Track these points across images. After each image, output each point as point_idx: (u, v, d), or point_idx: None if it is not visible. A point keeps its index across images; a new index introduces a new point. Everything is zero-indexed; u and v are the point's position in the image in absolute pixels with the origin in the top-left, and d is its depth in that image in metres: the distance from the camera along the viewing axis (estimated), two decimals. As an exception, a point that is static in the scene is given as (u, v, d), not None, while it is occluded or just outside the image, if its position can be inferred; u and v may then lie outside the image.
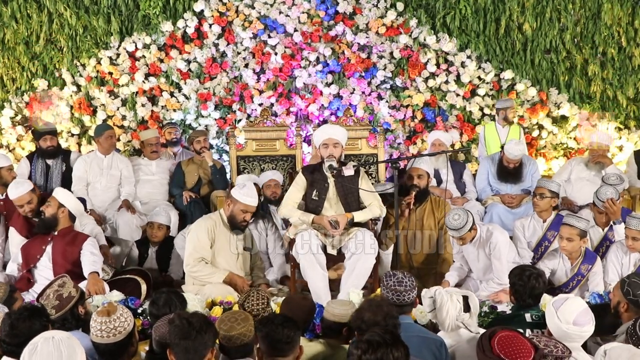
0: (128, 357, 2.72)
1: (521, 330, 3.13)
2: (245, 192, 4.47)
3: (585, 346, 2.95)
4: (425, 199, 4.95)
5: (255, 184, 4.96)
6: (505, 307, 3.96)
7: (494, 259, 4.32)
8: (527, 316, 3.24)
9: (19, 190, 4.64)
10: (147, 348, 2.95)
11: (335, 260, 4.50)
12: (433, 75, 6.93)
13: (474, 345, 2.94)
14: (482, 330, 3.02)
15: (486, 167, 5.94)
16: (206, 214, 4.87)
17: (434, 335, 3.02)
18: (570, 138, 6.98)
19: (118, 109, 6.88)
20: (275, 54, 6.92)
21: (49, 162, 5.91)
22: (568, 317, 2.76)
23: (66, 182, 5.82)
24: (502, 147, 5.85)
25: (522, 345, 2.31)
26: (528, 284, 3.31)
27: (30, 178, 5.81)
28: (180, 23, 6.83)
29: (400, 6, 6.87)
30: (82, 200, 5.63)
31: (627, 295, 3.13)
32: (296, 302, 3.31)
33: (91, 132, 6.81)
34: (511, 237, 4.75)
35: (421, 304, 3.60)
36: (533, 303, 3.33)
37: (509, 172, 5.76)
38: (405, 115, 6.97)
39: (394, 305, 3.04)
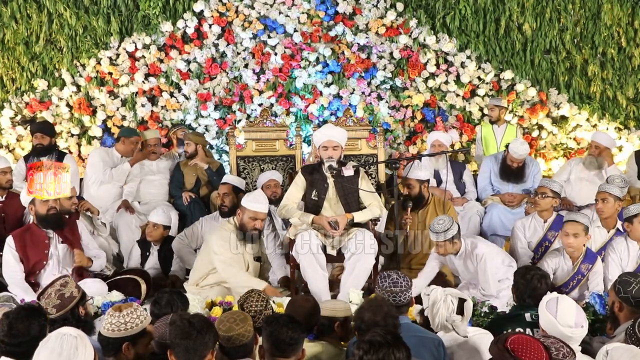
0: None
1: (521, 330, 3.15)
2: (252, 199, 4.40)
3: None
4: (423, 204, 4.95)
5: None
6: (505, 307, 3.96)
7: (479, 270, 4.29)
8: (527, 316, 3.25)
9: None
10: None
11: (335, 261, 4.49)
12: (433, 75, 6.94)
13: (466, 349, 2.96)
14: (471, 333, 3.03)
15: (489, 165, 5.92)
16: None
17: (432, 335, 3.02)
18: (570, 138, 6.99)
19: (118, 109, 6.87)
20: (275, 54, 6.92)
21: (43, 159, 5.94)
22: (569, 321, 2.78)
23: None
24: (506, 146, 5.84)
25: (536, 349, 2.32)
26: (530, 284, 3.33)
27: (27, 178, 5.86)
28: (180, 23, 6.83)
29: (400, 6, 6.88)
30: (80, 198, 5.65)
31: (619, 294, 3.14)
32: (299, 303, 3.30)
33: (91, 133, 6.83)
34: (509, 238, 4.74)
35: (417, 303, 3.61)
36: (533, 303, 3.32)
37: (512, 171, 5.75)
38: (405, 115, 6.97)
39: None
